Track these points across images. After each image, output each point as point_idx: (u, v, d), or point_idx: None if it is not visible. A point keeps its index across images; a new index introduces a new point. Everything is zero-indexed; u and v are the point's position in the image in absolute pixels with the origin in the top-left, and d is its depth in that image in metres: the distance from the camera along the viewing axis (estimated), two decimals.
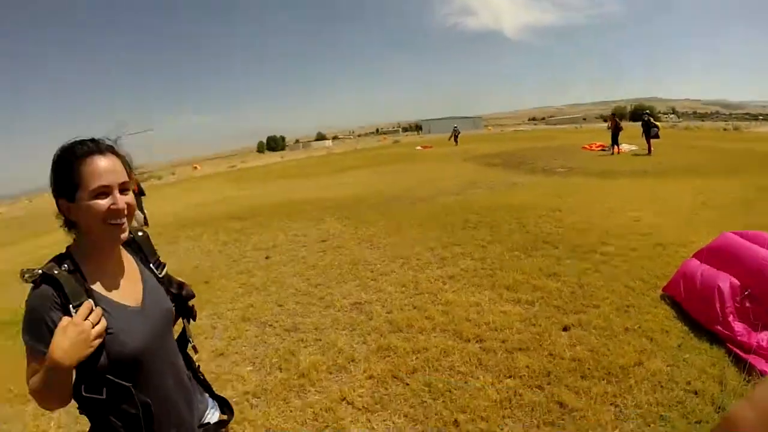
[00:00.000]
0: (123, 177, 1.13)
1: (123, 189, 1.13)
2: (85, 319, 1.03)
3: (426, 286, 4.46)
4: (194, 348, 1.42)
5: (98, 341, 1.04)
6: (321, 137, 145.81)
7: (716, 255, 3.40)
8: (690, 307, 3.29)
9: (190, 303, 1.40)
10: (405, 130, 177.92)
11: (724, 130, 36.00)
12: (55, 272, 1.06)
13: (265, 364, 3.33)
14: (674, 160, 13.23)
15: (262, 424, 2.64)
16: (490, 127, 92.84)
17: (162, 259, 1.35)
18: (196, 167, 54.84)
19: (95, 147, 1.11)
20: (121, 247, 1.22)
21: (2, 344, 4.51)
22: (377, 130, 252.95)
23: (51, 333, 1.02)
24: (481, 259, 5.11)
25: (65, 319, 1.01)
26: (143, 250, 1.31)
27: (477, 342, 3.29)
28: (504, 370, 2.88)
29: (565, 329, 3.32)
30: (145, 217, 11.32)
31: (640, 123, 16.49)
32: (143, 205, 11.40)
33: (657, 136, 15.50)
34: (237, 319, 4.24)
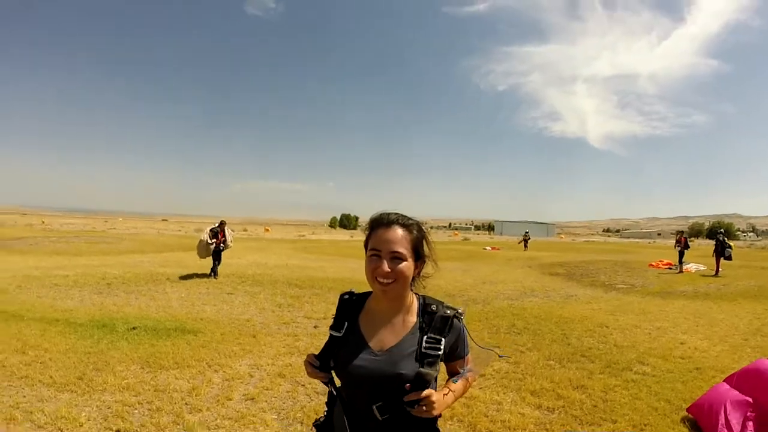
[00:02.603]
0: (395, 247, 1.32)
1: (394, 257, 1.32)
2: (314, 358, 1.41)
3: None
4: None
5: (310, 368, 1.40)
6: None
7: (747, 379, 3.40)
8: (702, 423, 3.32)
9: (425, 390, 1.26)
10: (477, 228, 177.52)
11: None
12: (345, 297, 1.49)
13: (289, 417, 3.64)
14: (740, 282, 12.70)
15: None
16: (562, 235, 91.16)
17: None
18: (267, 230, 57.88)
19: (384, 219, 1.38)
20: (410, 306, 1.40)
21: (53, 339, 5.32)
22: (450, 224, 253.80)
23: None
24: (515, 363, 5.21)
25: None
26: (430, 324, 1.36)
27: None
28: None
29: None
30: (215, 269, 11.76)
31: (714, 241, 16.04)
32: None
33: (729, 258, 14.87)
34: (274, 373, 4.61)
